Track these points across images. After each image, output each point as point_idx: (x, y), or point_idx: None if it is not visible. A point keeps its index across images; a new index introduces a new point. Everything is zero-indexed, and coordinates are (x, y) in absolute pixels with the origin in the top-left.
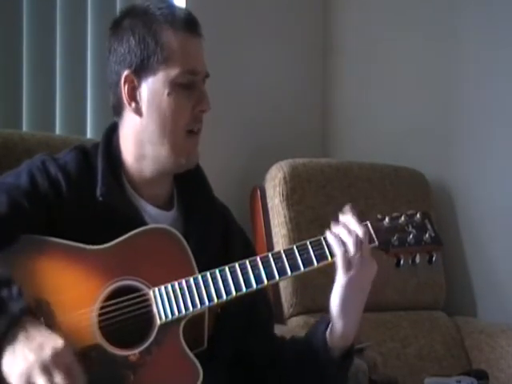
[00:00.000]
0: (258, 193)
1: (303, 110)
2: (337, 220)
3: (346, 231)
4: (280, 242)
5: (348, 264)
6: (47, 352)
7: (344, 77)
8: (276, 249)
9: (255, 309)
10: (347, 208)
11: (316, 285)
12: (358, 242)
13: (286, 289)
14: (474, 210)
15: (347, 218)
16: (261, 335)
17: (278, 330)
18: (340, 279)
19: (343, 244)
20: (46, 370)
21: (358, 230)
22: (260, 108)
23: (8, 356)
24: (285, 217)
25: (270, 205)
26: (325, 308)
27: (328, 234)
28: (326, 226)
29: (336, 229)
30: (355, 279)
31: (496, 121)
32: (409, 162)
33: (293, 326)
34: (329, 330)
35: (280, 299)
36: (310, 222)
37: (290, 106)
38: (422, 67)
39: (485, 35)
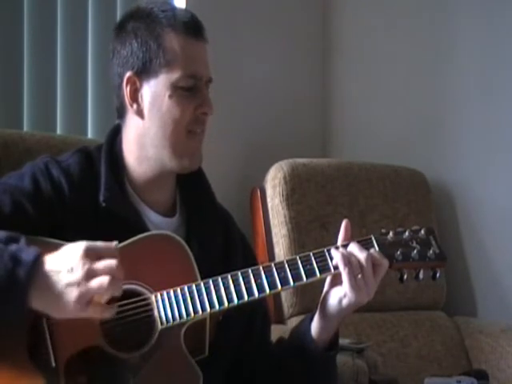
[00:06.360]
0: (258, 193)
1: (303, 110)
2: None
3: (346, 255)
4: (280, 242)
5: (355, 286)
6: (79, 266)
7: (344, 77)
8: (276, 249)
9: (252, 317)
10: (344, 225)
11: (316, 285)
12: (362, 268)
13: None
14: (473, 210)
15: (351, 246)
16: (256, 344)
17: (278, 330)
18: (343, 295)
19: (349, 263)
20: (90, 276)
21: (363, 256)
22: (260, 108)
23: (51, 300)
24: (285, 217)
25: (270, 205)
26: None
27: (333, 251)
28: (326, 225)
29: (341, 249)
30: (357, 298)
31: (496, 121)
32: (409, 162)
33: (293, 326)
34: (313, 322)
35: (280, 299)
36: (309, 222)
37: (290, 106)
38: (422, 67)
39: (484, 34)
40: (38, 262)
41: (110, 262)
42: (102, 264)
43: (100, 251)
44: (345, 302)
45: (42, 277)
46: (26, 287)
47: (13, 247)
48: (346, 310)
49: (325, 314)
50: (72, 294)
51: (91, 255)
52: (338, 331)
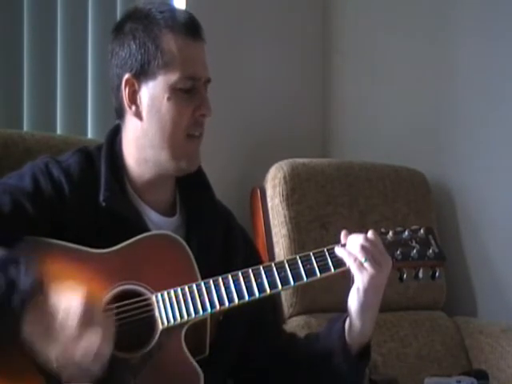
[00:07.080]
0: (258, 193)
1: (303, 110)
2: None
3: (352, 242)
4: (280, 241)
5: (361, 269)
6: (77, 312)
7: (344, 77)
8: (276, 249)
9: (259, 308)
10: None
11: (316, 285)
12: (363, 249)
13: None
14: (474, 210)
15: (351, 236)
16: (267, 335)
17: None
18: (357, 284)
19: (351, 254)
20: (85, 326)
21: (361, 238)
22: (260, 108)
23: (41, 328)
24: (285, 217)
25: (270, 205)
26: (324, 308)
27: (336, 249)
28: (326, 225)
29: (342, 243)
30: (370, 281)
31: (496, 121)
32: (409, 162)
33: (293, 326)
34: (347, 327)
35: (280, 299)
36: (309, 221)
37: (290, 105)
38: (422, 67)
39: (485, 35)
40: (34, 292)
41: (105, 333)
42: (97, 329)
43: (97, 317)
44: (360, 288)
45: (38, 304)
46: (20, 313)
47: (11, 272)
48: (367, 298)
49: (353, 313)
50: (67, 331)
51: (89, 311)
52: (370, 343)
